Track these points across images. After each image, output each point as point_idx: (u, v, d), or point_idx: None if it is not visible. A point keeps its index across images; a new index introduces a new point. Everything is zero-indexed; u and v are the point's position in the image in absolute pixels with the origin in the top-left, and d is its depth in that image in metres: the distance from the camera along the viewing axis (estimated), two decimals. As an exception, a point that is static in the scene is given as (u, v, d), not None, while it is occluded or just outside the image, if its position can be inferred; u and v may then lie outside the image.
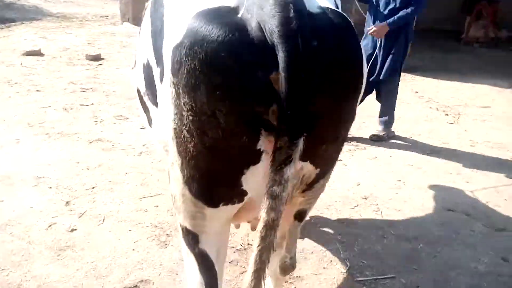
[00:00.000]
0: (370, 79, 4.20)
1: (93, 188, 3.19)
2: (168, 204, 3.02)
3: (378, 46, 4.24)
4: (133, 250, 2.56)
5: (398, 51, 4.23)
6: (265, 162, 1.22)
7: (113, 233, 2.70)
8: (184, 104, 1.18)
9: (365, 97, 4.51)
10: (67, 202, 2.98)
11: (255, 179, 1.28)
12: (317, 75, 1.14)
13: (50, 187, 3.16)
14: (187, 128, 1.22)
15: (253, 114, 1.14)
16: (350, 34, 1.29)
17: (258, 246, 1.20)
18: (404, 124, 4.91)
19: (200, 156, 1.25)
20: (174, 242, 2.63)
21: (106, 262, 2.45)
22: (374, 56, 4.23)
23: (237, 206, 1.39)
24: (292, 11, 1.09)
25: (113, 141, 4.06)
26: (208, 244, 1.49)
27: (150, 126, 1.78)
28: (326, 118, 1.24)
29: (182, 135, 1.24)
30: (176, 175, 1.38)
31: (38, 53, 7.11)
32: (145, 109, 1.75)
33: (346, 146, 4.23)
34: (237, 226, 2.46)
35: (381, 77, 4.28)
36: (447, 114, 5.33)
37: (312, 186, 1.49)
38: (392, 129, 4.56)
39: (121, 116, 4.73)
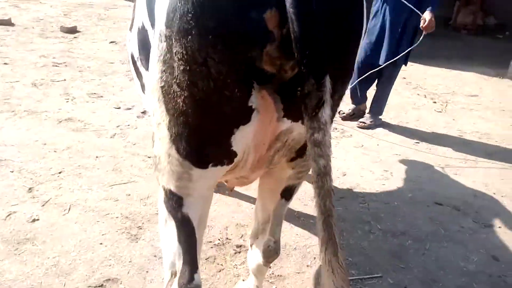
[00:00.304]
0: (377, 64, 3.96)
1: (59, 173, 2.94)
2: (141, 193, 2.80)
3: (387, 29, 3.89)
4: (101, 244, 2.34)
5: (407, 37, 3.91)
6: (255, 123, 1.17)
7: (79, 224, 2.47)
8: (175, 54, 1.11)
9: (371, 84, 4.34)
10: (29, 189, 2.72)
11: (245, 140, 1.22)
12: (325, 11, 1.07)
13: (12, 171, 2.89)
14: (177, 81, 1.14)
15: (246, 63, 1.07)
16: None
17: (319, 196, 1.10)
18: (391, 111, 4.76)
19: (190, 111, 1.16)
20: (146, 235, 2.43)
21: (69, 258, 2.22)
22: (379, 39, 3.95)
23: (226, 168, 1.30)
24: None
25: (85, 121, 3.78)
26: (191, 208, 1.39)
27: (144, 93, 1.71)
28: (338, 59, 1.17)
29: (172, 90, 1.16)
30: (162, 134, 1.28)
31: (8, 23, 6.64)
32: (138, 74, 1.69)
33: (332, 133, 4.06)
34: (231, 189, 2.25)
35: (381, 63, 3.95)
36: (435, 102, 5.20)
37: (302, 154, 1.37)
38: (380, 116, 4.41)
39: (94, 94, 4.43)
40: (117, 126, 3.75)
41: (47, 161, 3.06)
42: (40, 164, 3.01)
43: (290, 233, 2.60)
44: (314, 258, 2.42)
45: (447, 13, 10.03)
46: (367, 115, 4.36)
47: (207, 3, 1.03)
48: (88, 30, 6.94)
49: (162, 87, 1.18)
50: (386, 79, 4.22)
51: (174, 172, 1.31)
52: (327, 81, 1.02)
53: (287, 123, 1.21)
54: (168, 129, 1.24)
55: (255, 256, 1.82)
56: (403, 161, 3.66)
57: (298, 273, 2.31)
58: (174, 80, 1.14)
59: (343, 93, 1.33)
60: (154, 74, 1.21)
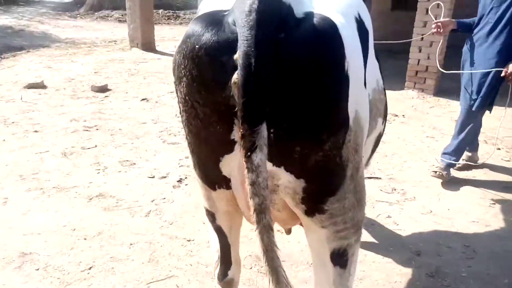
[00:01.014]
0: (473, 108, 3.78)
1: (89, 268, 2.57)
2: (183, 293, 2.38)
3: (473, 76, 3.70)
4: None
5: (492, 84, 3.72)
6: (237, 152, 1.30)
7: None
8: (177, 99, 1.37)
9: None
10: (56, 292, 2.36)
11: (231, 166, 1.36)
12: (280, 65, 1.16)
13: (37, 269, 2.55)
14: (182, 119, 1.40)
15: (225, 104, 1.21)
16: (325, 33, 1.21)
17: (258, 231, 1.20)
18: (453, 163, 4.24)
19: (192, 143, 1.43)
20: None
21: None
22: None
23: (229, 192, 1.45)
24: (256, 6, 1.14)
25: (117, 196, 3.46)
26: (221, 221, 1.66)
27: None
28: (290, 112, 1.21)
29: (183, 127, 1.42)
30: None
31: (40, 86, 6.63)
32: None
33: (392, 196, 3.57)
34: (288, 232, 2.14)
35: (474, 108, 3.79)
36: (499, 149, 4.64)
37: (319, 208, 1.37)
38: (433, 160, 3.91)
39: (127, 161, 4.15)
40: (152, 201, 3.40)
41: (76, 252, 2.71)
42: (68, 258, 2.66)
43: None
44: None
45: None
46: (442, 164, 3.89)
47: (191, 54, 1.22)
48: (119, 87, 6.84)
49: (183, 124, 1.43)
50: (470, 126, 3.96)
51: (203, 194, 1.61)
52: (262, 130, 1.14)
53: (268, 165, 1.23)
54: (191, 157, 1.52)
55: None
56: (484, 232, 3.11)
57: None
58: (181, 118, 1.41)
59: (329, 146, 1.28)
60: None
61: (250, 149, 1.14)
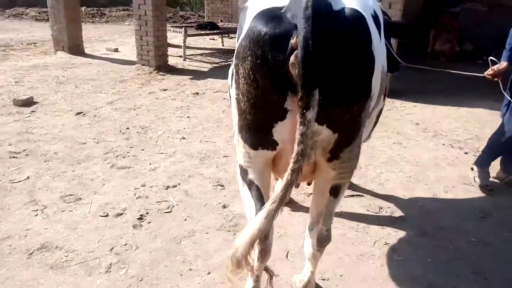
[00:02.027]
0: None
1: None
2: None
3: None
4: None
5: None
6: (290, 119, 1.68)
7: None
8: (240, 74, 1.72)
9: None
10: None
11: (283, 132, 1.73)
12: (327, 44, 1.55)
13: None
14: (241, 92, 1.75)
15: (282, 78, 1.59)
16: (357, 22, 1.65)
17: (290, 168, 1.55)
18: (426, 171, 4.09)
19: (247, 111, 1.76)
20: None
21: None
22: None
23: (270, 153, 1.83)
24: (311, 4, 1.51)
25: (65, 246, 2.80)
26: (253, 176, 1.95)
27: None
28: (334, 84, 1.61)
29: (239, 98, 1.79)
30: (235, 128, 1.96)
31: None
32: (231, 98, 2.09)
33: (382, 217, 3.28)
34: (297, 185, 2.54)
35: None
36: (466, 153, 4.58)
37: (338, 155, 1.82)
38: (409, 169, 3.69)
39: (70, 195, 3.45)
40: (111, 250, 2.78)
41: None
42: None
43: None
44: None
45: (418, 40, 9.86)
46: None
47: (257, 38, 1.61)
48: (47, 100, 5.93)
49: (236, 97, 1.83)
50: None
51: (241, 152, 1.94)
52: (316, 93, 1.51)
53: (314, 125, 1.59)
54: (238, 123, 1.89)
55: (310, 244, 2.20)
56: (487, 254, 2.91)
57: None
58: (239, 91, 1.77)
59: (359, 111, 1.75)
60: (232, 90, 1.93)
61: (305, 108, 1.50)
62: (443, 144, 4.81)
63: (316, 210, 2.11)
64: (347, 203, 3.50)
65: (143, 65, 7.88)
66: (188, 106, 5.97)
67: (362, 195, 3.63)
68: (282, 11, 1.62)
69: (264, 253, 2.07)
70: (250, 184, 1.97)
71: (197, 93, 6.62)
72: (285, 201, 1.55)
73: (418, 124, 5.49)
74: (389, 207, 3.47)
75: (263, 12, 1.66)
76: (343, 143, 1.78)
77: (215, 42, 11.28)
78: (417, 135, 5.08)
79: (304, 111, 1.51)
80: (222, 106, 6.00)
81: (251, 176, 1.94)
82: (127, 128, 5.01)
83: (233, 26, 10.65)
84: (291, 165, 1.54)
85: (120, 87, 6.77)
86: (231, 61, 9.01)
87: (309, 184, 2.50)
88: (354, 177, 3.90)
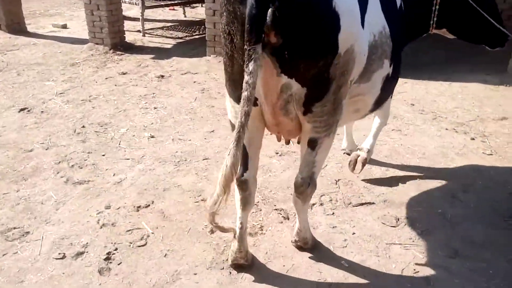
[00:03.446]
0: None
1: None
2: None
3: None
4: None
5: None
6: (261, 74, 1.81)
7: None
8: (221, 28, 1.92)
9: None
10: None
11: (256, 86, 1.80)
12: (283, 4, 1.68)
13: None
14: (223, 45, 1.95)
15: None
16: None
17: (240, 112, 1.74)
18: (434, 158, 3.60)
19: (226, 63, 1.98)
20: None
21: None
22: None
23: (253, 108, 1.86)
24: None
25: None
26: None
27: None
28: (296, 39, 1.75)
29: (222, 51, 1.99)
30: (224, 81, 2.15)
31: None
32: None
33: (401, 232, 2.76)
34: (278, 138, 2.47)
35: None
36: (473, 139, 4.12)
37: (310, 109, 1.96)
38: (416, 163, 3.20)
39: (13, 229, 2.72)
40: (72, 313, 2.11)
41: None
42: None
43: None
44: None
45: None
46: None
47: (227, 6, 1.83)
48: (-18, 93, 4.95)
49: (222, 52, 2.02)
50: None
51: (228, 107, 2.15)
52: (257, 47, 1.68)
53: (284, 78, 1.85)
54: (224, 76, 2.09)
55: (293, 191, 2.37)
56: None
57: None
58: (222, 44, 1.95)
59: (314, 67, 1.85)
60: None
61: (248, 60, 1.69)
62: (446, 129, 4.32)
63: (300, 161, 2.27)
64: (358, 214, 2.96)
65: (97, 44, 6.91)
66: (153, 93, 5.17)
67: (373, 203, 3.09)
68: None
69: (244, 202, 2.28)
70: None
71: (162, 76, 5.80)
72: (241, 140, 1.77)
73: (413, 104, 4.97)
74: (407, 217, 2.95)
75: None
76: (313, 97, 1.91)
77: (176, 13, 10.27)
78: (415, 119, 4.57)
79: (248, 62, 1.68)
80: (193, 91, 5.24)
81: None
82: (83, 127, 4.20)
83: (195, -5, 9.66)
84: (239, 109, 1.73)
85: (71, 73, 5.84)
86: (196, 34, 8.11)
87: (298, 142, 2.49)
88: (358, 177, 3.38)
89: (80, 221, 2.81)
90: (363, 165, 3.31)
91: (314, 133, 2.07)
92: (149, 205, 3.00)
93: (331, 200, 3.11)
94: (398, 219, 2.93)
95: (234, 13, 1.77)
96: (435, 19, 2.70)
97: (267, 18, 1.67)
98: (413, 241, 2.71)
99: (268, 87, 1.89)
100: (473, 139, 4.12)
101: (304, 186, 2.25)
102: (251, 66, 1.68)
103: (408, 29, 2.62)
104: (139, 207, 2.97)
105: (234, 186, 2.19)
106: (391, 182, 3.37)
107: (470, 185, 3.35)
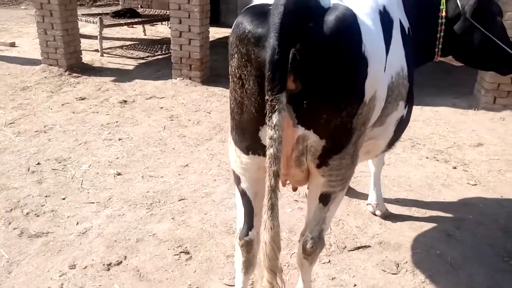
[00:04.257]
0: None
1: None
2: None
3: None
4: None
5: None
6: None
7: None
8: (229, 70, 1.68)
9: None
10: None
11: None
12: (310, 49, 1.48)
13: None
14: (231, 88, 1.71)
15: (263, 77, 1.50)
16: (342, 22, 1.51)
17: (267, 174, 1.52)
18: (421, 190, 3.46)
19: (235, 110, 1.71)
20: None
21: None
22: None
23: (264, 158, 1.60)
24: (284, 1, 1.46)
25: None
26: (246, 185, 1.85)
27: None
28: (319, 88, 1.54)
29: (230, 95, 1.74)
30: (229, 128, 1.87)
31: None
32: None
33: (404, 281, 2.55)
34: (283, 184, 2.14)
35: None
36: (455, 168, 4.04)
37: (326, 162, 1.71)
38: (404, 196, 3.05)
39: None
40: None
41: None
42: None
43: None
44: None
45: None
46: None
47: (242, 36, 1.57)
48: None
49: (229, 96, 1.77)
50: None
51: (233, 156, 1.85)
52: (283, 97, 1.47)
53: (301, 130, 1.62)
54: (230, 123, 1.82)
55: (298, 250, 2.06)
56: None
57: None
58: (230, 87, 1.72)
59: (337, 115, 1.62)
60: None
61: (271, 111, 1.48)
62: (427, 157, 4.23)
63: (308, 216, 2.02)
64: (355, 261, 2.72)
65: (51, 65, 6.38)
66: (116, 121, 4.75)
67: (369, 246, 2.87)
68: (270, 7, 1.53)
69: (247, 265, 2.01)
70: (242, 194, 1.89)
71: (125, 101, 5.39)
72: (276, 207, 1.56)
73: (390, 131, 4.88)
74: (406, 261, 2.75)
75: (250, 7, 1.65)
76: (331, 149, 1.70)
77: (135, 30, 9.84)
78: (395, 147, 4.45)
79: (271, 114, 1.49)
80: (161, 119, 4.87)
81: (244, 185, 1.86)
82: (38, 164, 3.73)
83: (155, 13, 9.31)
84: (267, 170, 1.53)
85: (22, 98, 5.29)
86: (159, 54, 7.75)
87: (294, 190, 2.40)
88: (348, 216, 3.17)
89: (39, 287, 2.38)
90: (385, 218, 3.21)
91: (328, 188, 1.83)
92: (121, 262, 2.61)
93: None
94: (398, 264, 2.72)
95: (247, 55, 1.55)
96: (440, 46, 2.54)
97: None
98: (418, 291, 2.51)
99: (283, 139, 1.65)
100: (455, 167, 4.05)
101: (314, 247, 1.98)
102: (275, 118, 1.47)
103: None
104: (109, 264, 2.57)
105: (236, 246, 1.99)
106: (383, 220, 3.18)
107: (463, 220, 3.22)
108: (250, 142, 1.70)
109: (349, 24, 1.53)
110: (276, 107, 1.46)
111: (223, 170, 3.75)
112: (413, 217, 3.24)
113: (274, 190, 1.52)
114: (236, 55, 1.60)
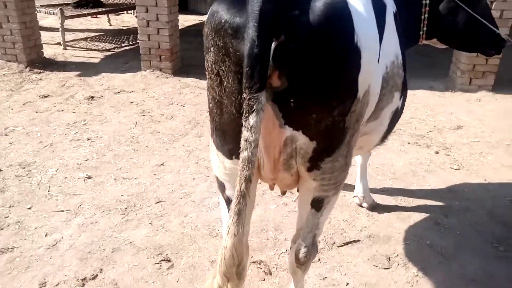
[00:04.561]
0: None
1: None
2: None
3: None
4: None
5: None
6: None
7: None
8: (206, 66, 1.49)
9: None
10: None
11: None
12: (295, 39, 1.29)
13: None
14: (208, 86, 1.53)
15: (242, 73, 1.30)
16: (331, 8, 1.32)
17: (238, 178, 1.34)
18: (405, 177, 3.39)
19: (214, 110, 1.54)
20: None
21: None
22: None
23: None
24: None
25: None
26: (231, 193, 1.67)
27: None
28: (307, 84, 1.36)
29: (207, 93, 1.55)
30: (209, 130, 1.68)
31: None
32: None
33: (400, 279, 2.46)
34: (271, 187, 1.95)
35: None
36: (437, 152, 4.00)
37: (318, 165, 1.56)
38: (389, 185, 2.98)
39: None
40: None
41: None
42: None
43: None
44: None
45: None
46: None
47: (217, 30, 1.37)
48: None
49: (206, 91, 1.59)
50: None
51: (215, 162, 1.69)
52: (262, 96, 1.28)
53: (289, 130, 1.45)
54: (209, 125, 1.65)
55: (290, 258, 1.94)
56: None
57: None
58: (207, 85, 1.53)
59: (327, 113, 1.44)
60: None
61: (248, 112, 1.30)
62: (409, 143, 4.17)
63: (299, 222, 1.86)
64: (346, 258, 2.61)
65: (9, 61, 5.98)
66: (84, 120, 4.47)
67: (358, 240, 2.77)
68: None
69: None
70: (227, 203, 1.74)
71: (92, 97, 5.09)
72: (242, 213, 1.37)
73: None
74: (397, 254, 2.66)
75: None
76: (323, 152, 1.54)
77: (99, 21, 9.40)
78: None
79: (247, 115, 1.31)
80: (132, 115, 4.62)
81: (229, 192, 1.71)
82: (0, 170, 3.43)
83: (120, 1, 8.90)
84: (238, 173, 1.36)
85: (-22, 99, 4.91)
86: (126, 45, 7.41)
87: (283, 194, 2.30)
88: (335, 209, 3.05)
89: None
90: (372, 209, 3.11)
91: (320, 192, 1.67)
92: (96, 275, 2.40)
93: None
94: (389, 258, 2.63)
95: (225, 49, 1.36)
96: (424, 29, 2.41)
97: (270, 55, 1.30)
98: (411, 285, 2.42)
99: (269, 140, 1.51)
100: (437, 152, 4.00)
101: (308, 255, 1.85)
102: (252, 119, 1.29)
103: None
104: (84, 279, 2.37)
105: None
106: (370, 211, 3.08)
107: (449, 207, 3.17)
108: (232, 146, 1.52)
109: (339, 11, 1.35)
110: (254, 107, 1.28)
111: (202, 168, 3.57)
112: (400, 206, 3.16)
113: (244, 196, 1.36)
114: (212, 49, 1.41)
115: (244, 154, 1.34)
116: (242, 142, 1.34)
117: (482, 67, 5.44)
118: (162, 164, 3.62)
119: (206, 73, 1.52)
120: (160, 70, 5.92)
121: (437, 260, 2.63)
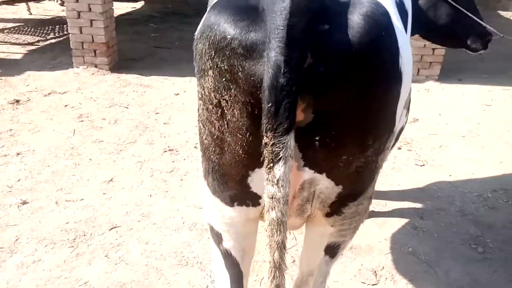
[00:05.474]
0: None
1: None
2: None
3: None
4: None
5: None
6: None
7: None
8: (198, 93, 1.18)
9: None
10: None
11: (262, 182, 1.09)
12: (325, 64, 0.99)
13: None
14: (201, 118, 1.20)
15: (260, 106, 1.01)
16: (376, 24, 1.03)
17: (268, 246, 1.10)
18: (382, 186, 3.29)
19: (211, 148, 1.22)
20: None
21: None
22: None
23: (253, 209, 1.28)
24: None
25: None
26: (231, 244, 1.42)
27: None
28: (339, 118, 1.08)
29: (199, 126, 1.24)
30: (201, 169, 1.36)
31: None
32: None
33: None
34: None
35: None
36: (399, 148, 3.94)
37: (340, 210, 1.31)
38: None
39: None
40: None
41: None
42: None
43: None
44: None
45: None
46: None
47: (219, 48, 1.03)
48: None
49: (197, 122, 1.25)
50: None
51: (210, 208, 1.37)
52: (290, 140, 0.99)
53: (309, 173, 1.17)
54: (201, 163, 1.32)
55: None
56: None
57: None
58: (199, 117, 1.22)
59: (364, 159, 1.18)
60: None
61: (272, 161, 1.02)
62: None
63: (307, 267, 1.62)
64: (330, 276, 2.39)
65: None
66: (10, 130, 3.84)
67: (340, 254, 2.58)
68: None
69: None
70: (225, 256, 1.47)
71: (18, 101, 4.43)
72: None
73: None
74: (382, 266, 2.52)
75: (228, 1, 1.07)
76: (349, 196, 1.28)
77: (17, 9, 8.38)
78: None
79: (271, 165, 1.01)
80: (68, 121, 4.05)
81: (227, 244, 1.44)
82: None
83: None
84: (268, 241, 1.08)
85: None
86: (52, 38, 6.63)
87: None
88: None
89: None
90: None
91: (338, 238, 1.43)
92: (47, 333, 1.98)
93: (294, 261, 2.51)
94: (376, 272, 2.48)
95: (231, 73, 1.04)
96: None
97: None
98: (404, 303, 2.29)
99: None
100: (399, 148, 3.93)
101: None
102: (278, 170, 1.00)
103: None
104: None
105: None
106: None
107: (423, 208, 3.10)
108: (235, 191, 1.25)
109: (384, 27, 1.07)
110: (281, 154, 1.00)
111: (158, 181, 3.18)
112: (376, 211, 3.02)
113: (279, 267, 1.09)
114: (211, 72, 1.08)
115: (272, 216, 1.05)
116: (268, 200, 1.05)
117: (429, 58, 5.51)
118: (111, 180, 3.17)
119: (199, 101, 1.19)
120: (96, 67, 5.32)
121: (422, 269, 2.52)
